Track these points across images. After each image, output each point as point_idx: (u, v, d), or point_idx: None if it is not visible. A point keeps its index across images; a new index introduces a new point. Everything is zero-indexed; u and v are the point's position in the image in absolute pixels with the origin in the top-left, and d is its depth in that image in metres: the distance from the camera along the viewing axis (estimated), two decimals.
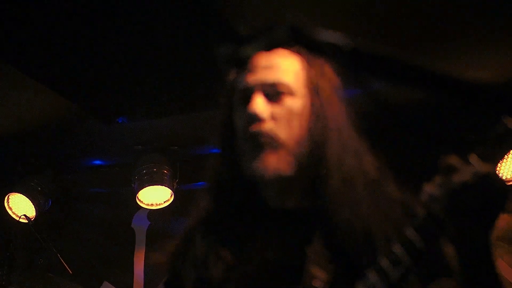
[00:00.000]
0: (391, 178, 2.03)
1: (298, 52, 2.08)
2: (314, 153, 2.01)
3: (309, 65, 2.08)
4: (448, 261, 1.84)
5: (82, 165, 5.76)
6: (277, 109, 2.01)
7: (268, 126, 1.98)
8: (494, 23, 3.93)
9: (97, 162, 5.73)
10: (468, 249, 1.65)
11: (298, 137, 2.00)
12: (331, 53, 1.07)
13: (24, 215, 5.33)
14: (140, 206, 5.44)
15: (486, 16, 3.88)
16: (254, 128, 1.99)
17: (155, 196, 5.40)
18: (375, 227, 1.89)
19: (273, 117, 2.00)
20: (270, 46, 1.14)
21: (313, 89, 2.05)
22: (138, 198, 5.39)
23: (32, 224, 5.36)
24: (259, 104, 2.00)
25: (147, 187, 5.28)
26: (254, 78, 2.04)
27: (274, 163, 1.96)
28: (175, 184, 5.37)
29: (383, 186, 2.01)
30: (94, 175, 5.80)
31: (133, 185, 5.37)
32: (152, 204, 5.42)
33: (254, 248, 1.99)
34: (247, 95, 2.04)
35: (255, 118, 1.99)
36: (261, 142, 1.98)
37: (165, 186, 5.28)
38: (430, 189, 1.61)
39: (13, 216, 5.52)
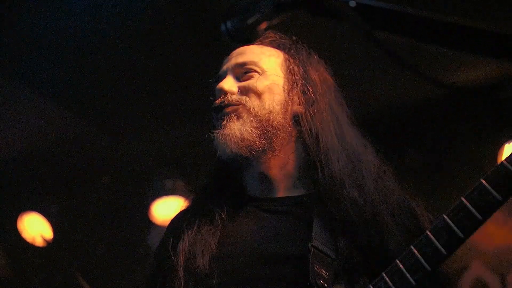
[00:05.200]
0: (391, 174, 2.03)
1: (279, 47, 2.15)
2: (303, 134, 2.01)
3: (288, 54, 2.13)
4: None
5: (96, 183, 5.76)
6: (244, 84, 2.06)
7: (234, 96, 2.03)
8: None
9: (110, 177, 5.73)
10: None
11: (270, 107, 2.01)
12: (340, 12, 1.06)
13: (41, 235, 5.33)
14: (154, 222, 5.41)
15: None
16: (220, 100, 2.04)
17: (169, 210, 5.38)
18: (382, 209, 1.87)
19: (241, 91, 2.05)
20: (276, 9, 1.14)
21: (293, 72, 2.08)
22: (151, 212, 5.37)
23: (49, 244, 5.38)
24: (226, 81, 2.07)
25: (160, 200, 5.27)
26: (227, 64, 2.13)
27: (238, 128, 1.97)
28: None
29: (384, 179, 2.00)
30: (109, 192, 5.79)
31: (146, 199, 5.36)
32: (166, 219, 5.39)
33: (245, 240, 1.97)
34: (219, 80, 2.10)
35: (221, 92, 2.04)
36: (225, 112, 2.01)
37: (179, 197, 5.25)
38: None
39: (28, 237, 5.51)
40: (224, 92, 2.04)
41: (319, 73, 2.12)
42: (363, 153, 2.02)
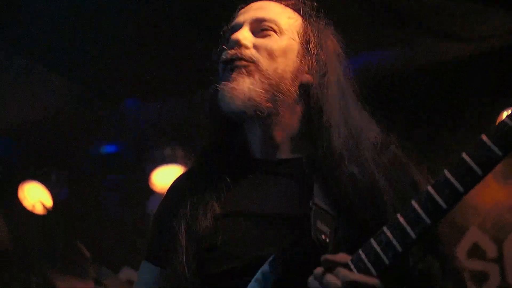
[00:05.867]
0: (394, 141, 2.01)
1: (299, 12, 2.09)
2: (309, 102, 1.99)
3: (307, 20, 2.07)
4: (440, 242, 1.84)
5: (95, 152, 5.78)
6: (261, 41, 1.99)
7: (248, 51, 1.96)
8: None
9: (110, 147, 5.74)
10: None
11: (282, 72, 1.96)
12: None
13: (41, 202, 5.36)
14: (154, 190, 5.43)
15: None
16: (233, 51, 1.96)
17: (168, 178, 5.39)
18: (382, 184, 1.86)
19: (256, 47, 1.98)
20: None
21: (309, 39, 2.03)
22: (151, 180, 5.39)
23: (49, 213, 5.41)
24: (243, 32, 1.99)
25: (160, 168, 5.28)
26: (244, 16, 2.05)
27: (247, 86, 1.92)
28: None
29: (387, 147, 1.99)
30: (108, 160, 5.81)
31: (146, 167, 5.37)
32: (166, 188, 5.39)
33: (248, 201, 1.97)
34: (234, 31, 2.03)
35: (236, 43, 1.97)
36: (236, 65, 1.95)
37: (178, 165, 5.26)
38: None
39: (28, 206, 5.54)
40: (238, 44, 1.96)
41: (334, 45, 2.08)
42: (365, 127, 2.00)
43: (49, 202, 5.52)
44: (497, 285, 4.59)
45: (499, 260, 4.62)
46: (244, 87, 1.91)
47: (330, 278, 1.59)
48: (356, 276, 1.58)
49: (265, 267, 1.81)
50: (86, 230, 5.61)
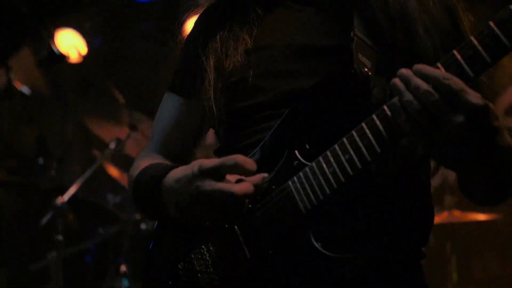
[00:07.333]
0: None
1: None
2: None
3: None
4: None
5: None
6: None
7: None
8: None
9: None
10: None
11: None
12: None
13: (76, 49, 5.35)
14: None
15: None
16: None
17: None
18: (416, 8, 1.75)
19: None
20: None
21: None
22: (184, 29, 5.32)
23: (84, 60, 5.43)
24: None
25: (193, 17, 5.19)
26: None
27: None
28: None
29: None
30: (141, 10, 5.74)
31: (179, 15, 5.29)
32: None
33: (283, 32, 1.88)
34: None
35: None
36: None
37: None
38: None
39: (63, 52, 5.53)
40: None
41: None
42: None
43: (83, 49, 5.50)
44: None
45: None
46: None
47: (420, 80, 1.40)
48: (455, 79, 1.40)
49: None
50: (120, 78, 5.64)
